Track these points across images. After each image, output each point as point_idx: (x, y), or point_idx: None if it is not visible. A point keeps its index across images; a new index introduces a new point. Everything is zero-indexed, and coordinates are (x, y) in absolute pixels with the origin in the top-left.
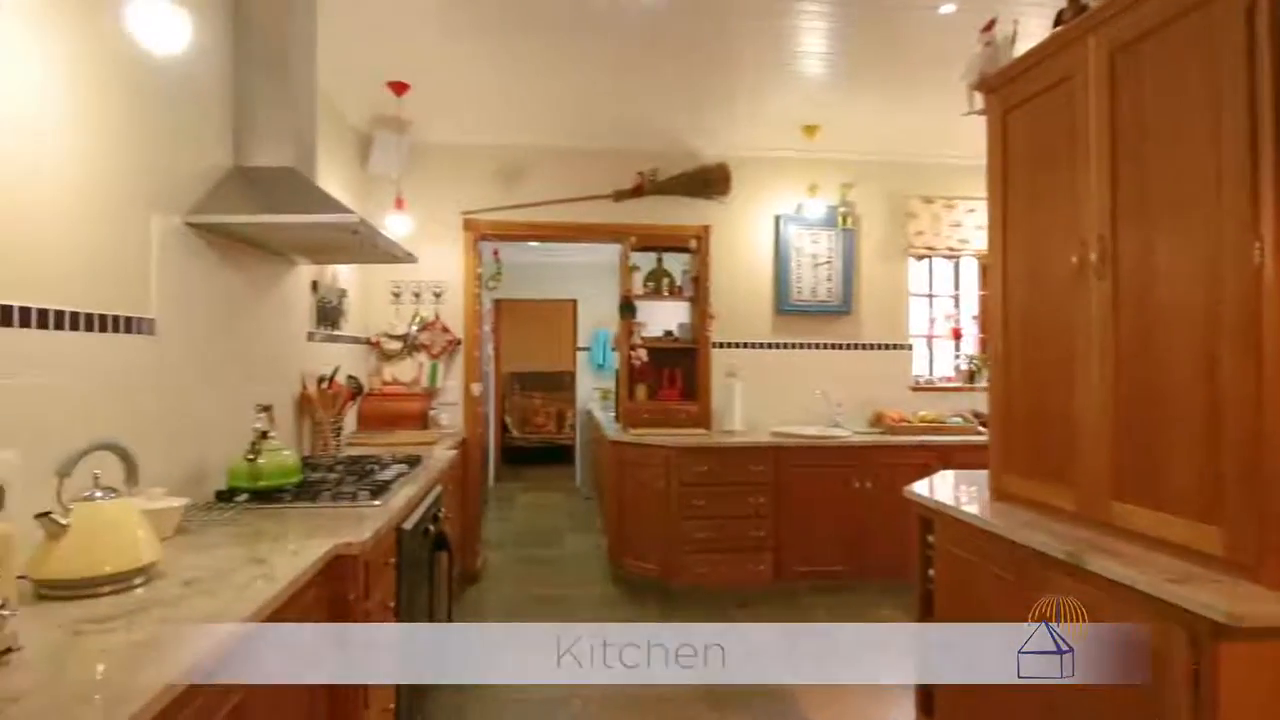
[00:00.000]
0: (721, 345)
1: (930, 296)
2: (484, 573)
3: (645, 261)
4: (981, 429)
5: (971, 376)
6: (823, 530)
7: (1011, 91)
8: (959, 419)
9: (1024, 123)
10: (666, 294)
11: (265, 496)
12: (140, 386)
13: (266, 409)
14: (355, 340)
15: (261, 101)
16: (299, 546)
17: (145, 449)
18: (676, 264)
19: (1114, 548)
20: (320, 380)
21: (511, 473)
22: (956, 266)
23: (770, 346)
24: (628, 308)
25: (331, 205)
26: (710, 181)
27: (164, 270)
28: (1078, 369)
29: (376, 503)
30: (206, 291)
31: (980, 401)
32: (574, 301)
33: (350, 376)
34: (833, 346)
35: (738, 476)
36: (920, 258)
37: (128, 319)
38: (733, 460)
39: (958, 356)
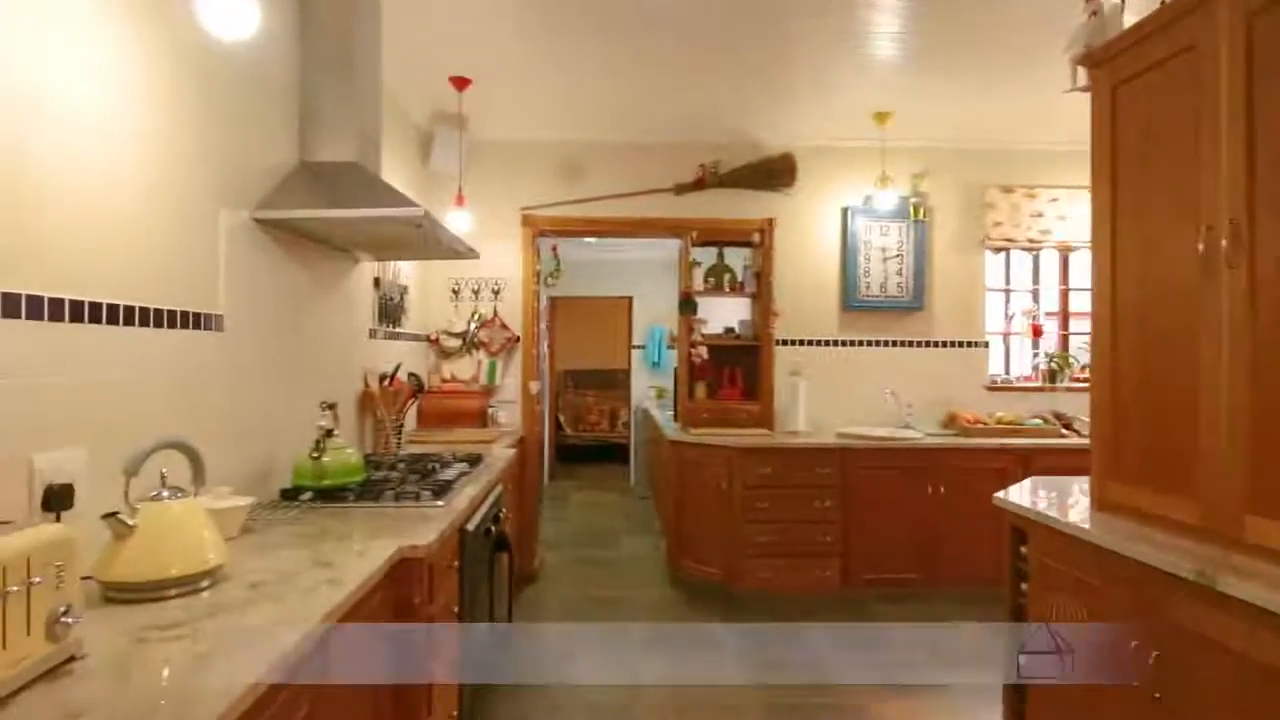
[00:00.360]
0: (785, 343)
1: (1007, 291)
2: (541, 573)
3: (706, 257)
4: (1065, 431)
5: (1053, 376)
6: (893, 536)
7: (1122, 65)
8: (1038, 421)
9: (1137, 98)
10: (728, 290)
11: (329, 495)
12: (209, 383)
13: (331, 406)
14: (415, 338)
15: (327, 95)
16: (364, 548)
17: (213, 446)
18: (738, 259)
19: (1249, 567)
20: (382, 378)
21: (565, 471)
22: (1036, 259)
23: (836, 344)
24: (688, 304)
25: (396, 199)
26: (775, 173)
27: (232, 266)
28: (1203, 365)
29: (440, 503)
30: (273, 288)
31: (1061, 402)
32: (629, 298)
33: (411, 374)
34: (903, 344)
35: (803, 479)
36: (998, 250)
37: (196, 315)
38: (797, 462)
39: (1036, 354)
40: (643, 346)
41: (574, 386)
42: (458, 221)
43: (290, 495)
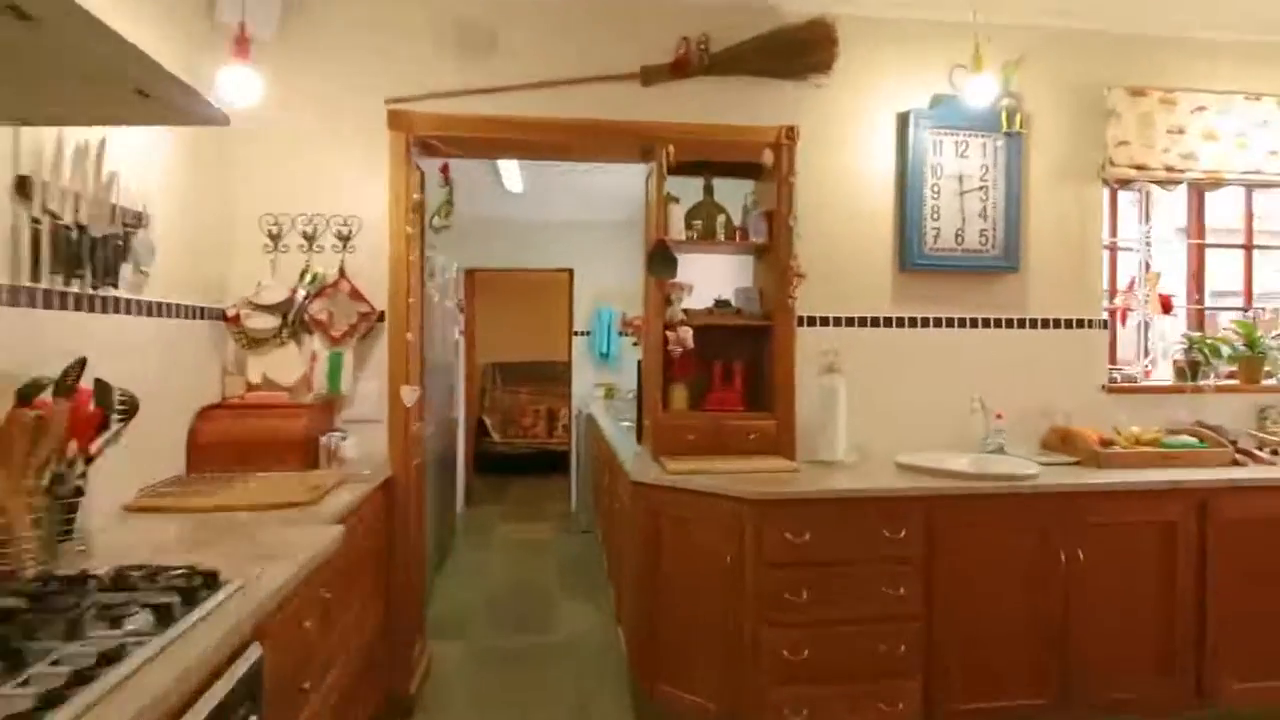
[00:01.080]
0: (812, 321)
1: (1113, 247)
2: (425, 694)
3: (687, 191)
4: (1239, 457)
5: (1194, 370)
6: (1004, 636)
7: None
8: (1190, 440)
9: None
10: (722, 239)
11: None
12: None
13: None
14: (169, 311)
15: None
16: None
17: None
18: (736, 195)
19: None
20: (28, 392)
21: (490, 490)
22: (1145, 199)
23: (890, 323)
24: (663, 259)
25: None
26: (801, 49)
27: None
28: None
29: None
30: None
31: (1206, 408)
32: (569, 272)
33: (99, 381)
34: (988, 324)
35: (862, 548)
36: (1123, 183)
37: None
38: (853, 519)
39: (1148, 338)
40: (587, 333)
41: (503, 382)
42: (236, 87)
43: None
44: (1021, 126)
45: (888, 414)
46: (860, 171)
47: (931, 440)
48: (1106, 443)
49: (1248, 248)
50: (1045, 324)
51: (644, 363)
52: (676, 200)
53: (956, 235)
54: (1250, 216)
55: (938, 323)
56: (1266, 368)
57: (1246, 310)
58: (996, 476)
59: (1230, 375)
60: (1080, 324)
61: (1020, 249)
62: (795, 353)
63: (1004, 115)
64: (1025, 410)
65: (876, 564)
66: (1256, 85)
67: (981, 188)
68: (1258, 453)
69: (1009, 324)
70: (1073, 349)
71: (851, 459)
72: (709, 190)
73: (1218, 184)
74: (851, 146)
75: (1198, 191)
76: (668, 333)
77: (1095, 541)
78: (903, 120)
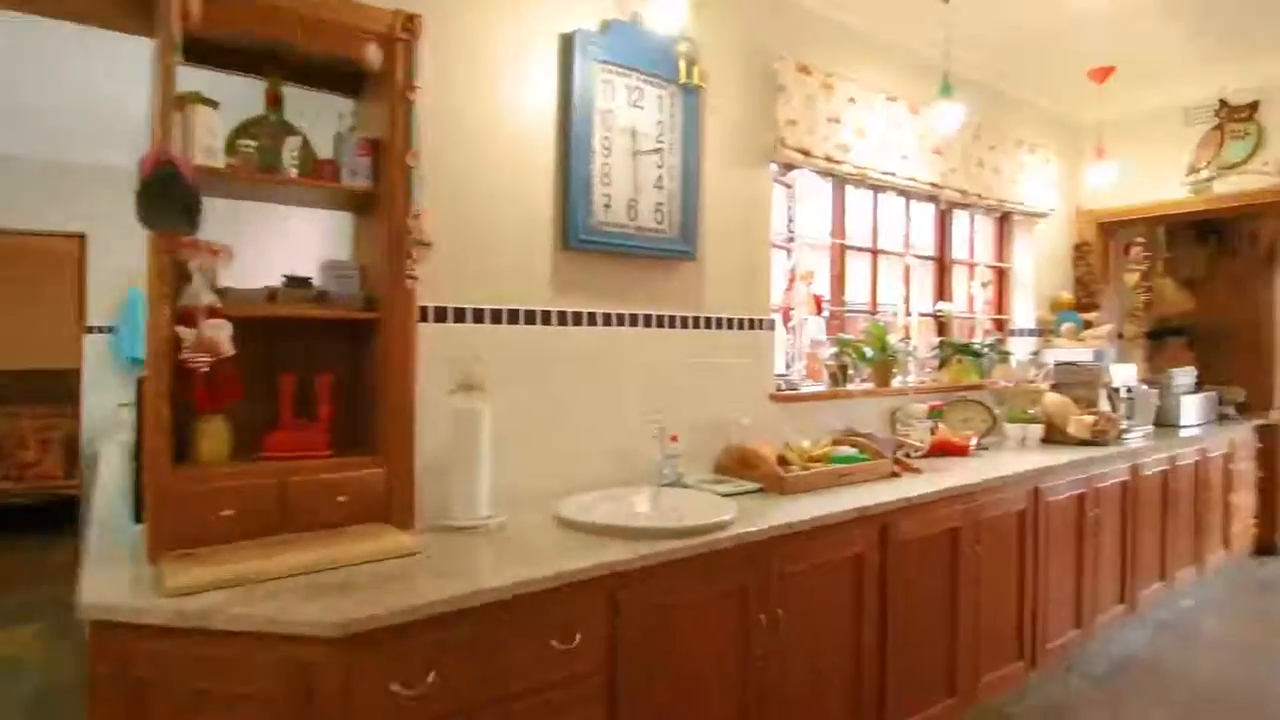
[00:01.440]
0: (441, 315)
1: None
2: None
3: (235, 94)
4: (896, 469)
5: (844, 374)
6: None
7: None
8: (851, 451)
9: None
10: (293, 175)
11: None
12: None
13: None
14: None
15: None
16: None
17: None
18: (323, 112)
19: None
20: None
21: None
22: (792, 194)
23: (548, 320)
24: (167, 195)
25: None
26: None
27: None
28: None
29: None
30: None
31: (857, 415)
32: (79, 239)
33: None
34: (664, 322)
35: (514, 678)
36: (787, 167)
37: None
38: (505, 634)
39: (792, 340)
40: (109, 329)
41: None
42: None
43: None
44: (700, 81)
45: (543, 442)
46: (509, 104)
47: (598, 474)
48: (784, 462)
49: (874, 252)
50: (720, 324)
51: (144, 382)
52: (214, 105)
53: (629, 208)
54: (875, 220)
55: (607, 320)
56: (895, 370)
57: (874, 314)
58: (691, 530)
59: (867, 378)
60: (753, 325)
61: (697, 232)
62: (417, 360)
63: (682, 63)
64: (699, 425)
65: (537, 696)
66: (894, 87)
67: (657, 150)
68: (903, 459)
69: (684, 323)
70: (745, 353)
71: (498, 519)
72: (276, 102)
73: (863, 180)
74: (498, 65)
75: (841, 189)
76: (180, 330)
77: (793, 593)
78: (567, 43)
